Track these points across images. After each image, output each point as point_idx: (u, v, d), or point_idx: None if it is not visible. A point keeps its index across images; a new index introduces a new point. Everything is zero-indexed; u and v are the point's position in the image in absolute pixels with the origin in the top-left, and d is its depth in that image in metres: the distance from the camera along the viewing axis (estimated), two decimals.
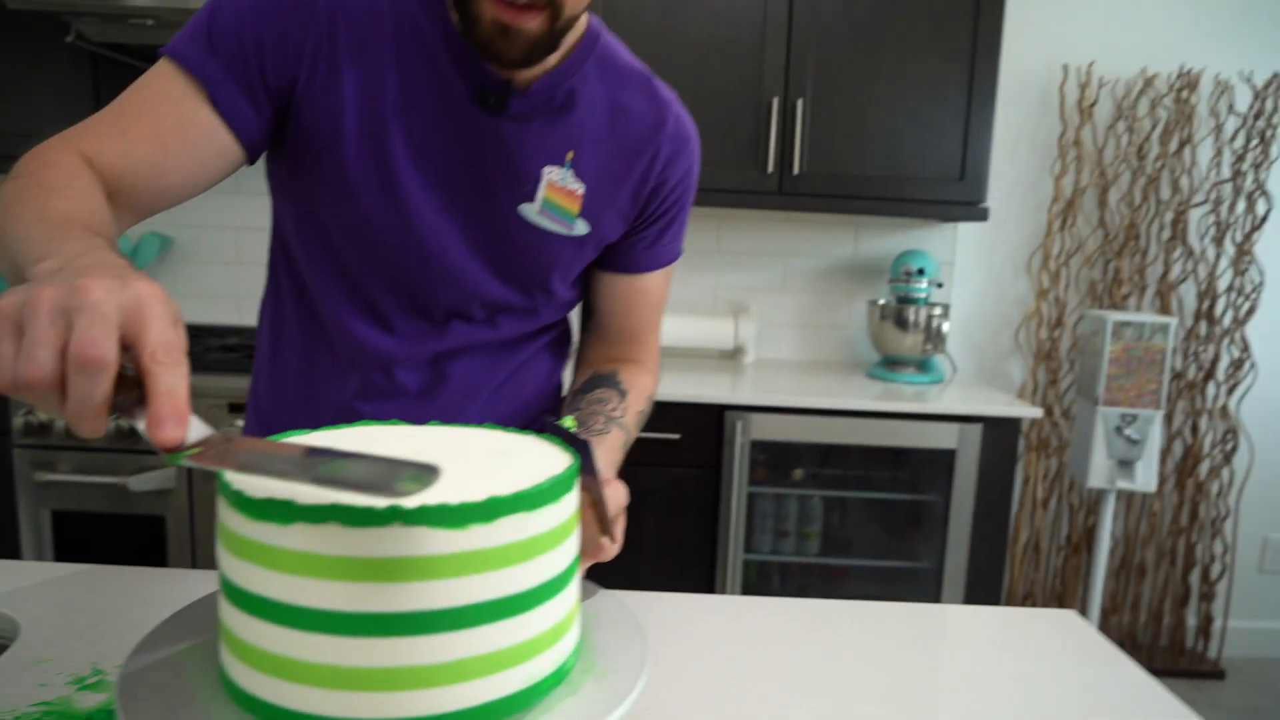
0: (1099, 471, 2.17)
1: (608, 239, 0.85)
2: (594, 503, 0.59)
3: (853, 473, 2.24)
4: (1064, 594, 2.65)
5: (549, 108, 0.78)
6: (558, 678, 0.48)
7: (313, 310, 0.85)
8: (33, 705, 0.60)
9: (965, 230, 2.50)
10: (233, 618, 0.44)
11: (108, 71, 2.13)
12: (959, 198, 2.17)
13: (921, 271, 2.27)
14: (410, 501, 0.40)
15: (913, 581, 2.19)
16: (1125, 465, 2.17)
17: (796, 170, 2.14)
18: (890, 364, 2.33)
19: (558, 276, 0.85)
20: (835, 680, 0.70)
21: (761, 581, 2.29)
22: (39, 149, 0.66)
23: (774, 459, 2.15)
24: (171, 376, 0.41)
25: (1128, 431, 2.13)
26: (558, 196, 0.80)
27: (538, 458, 0.51)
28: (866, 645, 0.77)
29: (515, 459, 0.51)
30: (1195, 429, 2.52)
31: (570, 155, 0.80)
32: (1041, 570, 2.65)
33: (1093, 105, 2.39)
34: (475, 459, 0.50)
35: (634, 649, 0.53)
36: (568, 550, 0.48)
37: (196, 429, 0.43)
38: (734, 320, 2.41)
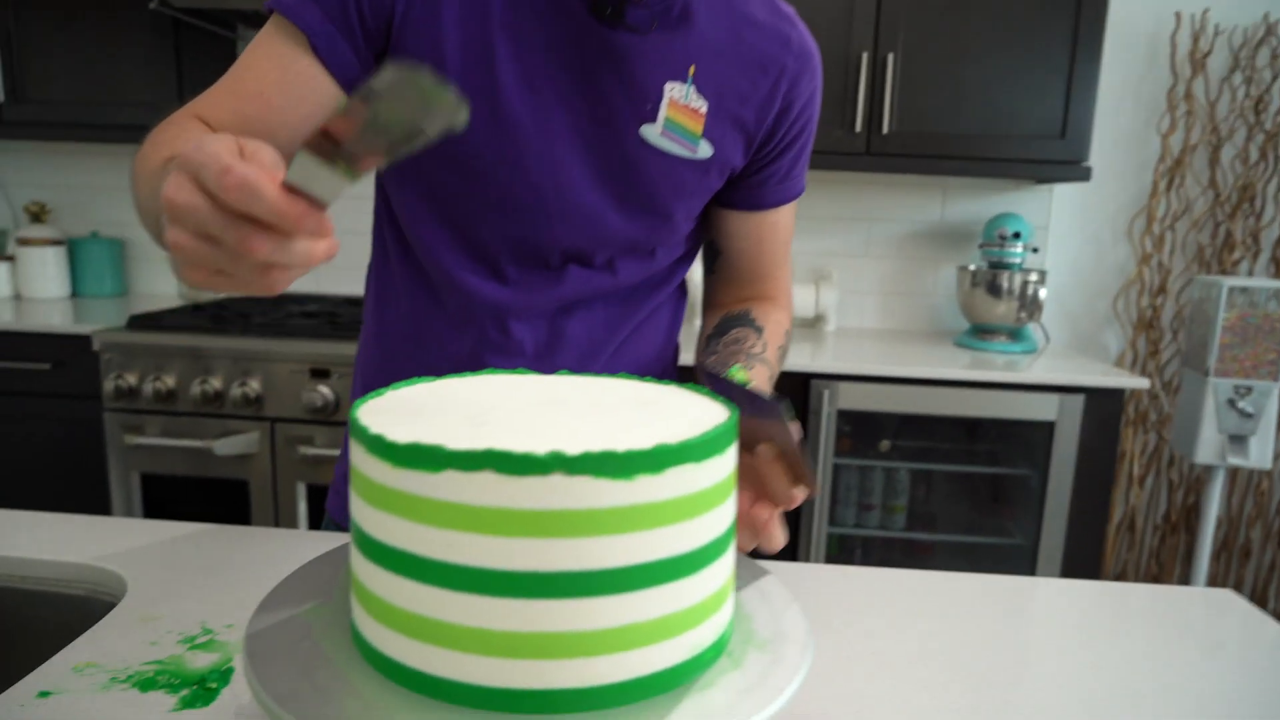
0: (1208, 447, 2.04)
1: (732, 164, 0.79)
2: (783, 453, 0.54)
3: (941, 445, 2.16)
4: (1160, 575, 2.52)
5: (667, 17, 0.72)
6: (718, 649, 0.43)
7: (419, 265, 0.81)
8: (146, 663, 0.58)
9: (1061, 192, 2.37)
10: (371, 575, 0.40)
11: (190, 37, 2.13)
12: (1059, 156, 2.05)
13: (1017, 235, 2.16)
14: (573, 448, 0.36)
15: (1003, 559, 2.10)
16: (1237, 440, 2.04)
17: (886, 129, 2.04)
18: (980, 333, 2.23)
19: (681, 207, 0.79)
20: (987, 659, 0.64)
21: (844, 555, 2.22)
22: (166, 120, 0.67)
23: (859, 429, 2.07)
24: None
25: (1241, 404, 2.00)
26: (681, 115, 0.74)
27: (687, 407, 0.46)
28: (1015, 623, 0.70)
29: (662, 409, 0.46)
30: None
31: (692, 70, 0.74)
32: (1136, 550, 2.53)
33: (1206, 55, 2.23)
34: (619, 408, 0.45)
35: (791, 618, 0.48)
36: (730, 508, 0.43)
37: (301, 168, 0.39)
38: (815, 287, 2.33)
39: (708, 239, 0.89)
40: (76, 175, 2.50)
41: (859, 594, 0.74)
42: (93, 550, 0.75)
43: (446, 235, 0.78)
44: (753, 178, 0.82)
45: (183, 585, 0.69)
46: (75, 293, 2.43)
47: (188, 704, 0.54)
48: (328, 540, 0.80)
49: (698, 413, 0.45)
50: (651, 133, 0.74)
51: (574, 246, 0.78)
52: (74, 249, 2.41)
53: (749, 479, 0.55)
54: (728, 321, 0.86)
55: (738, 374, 0.69)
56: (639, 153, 0.75)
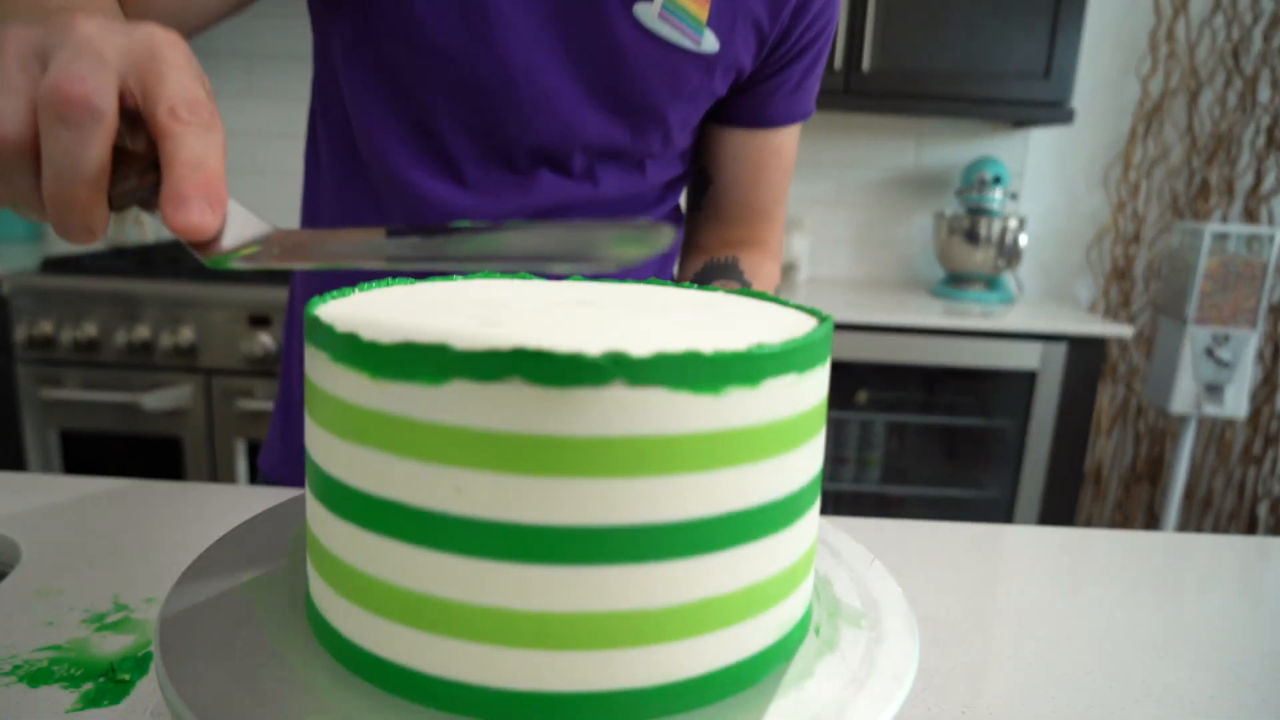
0: (1184, 396, 2.01)
1: (740, 66, 0.67)
2: None
3: (917, 396, 2.09)
4: (1125, 526, 2.52)
5: None
6: (804, 625, 0.32)
7: (361, 167, 0.68)
8: (38, 649, 0.45)
9: (1037, 138, 2.30)
10: (338, 535, 0.28)
11: None
12: (1042, 97, 1.97)
13: (997, 180, 2.08)
14: (641, 350, 0.24)
15: (978, 512, 2.06)
16: (1213, 389, 2.01)
17: (866, 67, 1.94)
18: (956, 281, 2.16)
19: (677, 110, 0.67)
20: (1076, 617, 0.55)
21: None
22: None
23: (834, 381, 1.99)
24: (199, 140, 0.30)
25: (1219, 353, 1.96)
26: None
27: (755, 312, 0.35)
28: (1090, 578, 0.61)
29: (723, 312, 0.34)
30: (1276, 353, 2.35)
31: None
32: (1101, 503, 2.51)
33: None
34: (668, 310, 0.34)
35: (879, 579, 0.37)
36: (823, 441, 0.32)
37: (242, 221, 0.31)
38: (787, 235, 2.23)
39: (698, 166, 0.77)
40: None
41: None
42: None
43: (397, 123, 0.65)
44: (760, 86, 0.70)
45: (91, 551, 0.57)
46: None
47: (91, 701, 0.42)
48: (273, 496, 0.67)
49: (773, 317, 0.34)
50: (647, 13, 0.62)
51: (546, 145, 0.66)
52: None
53: None
54: (711, 270, 0.75)
55: None
56: (630, 36, 0.62)
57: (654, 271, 0.78)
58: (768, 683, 0.30)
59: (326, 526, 0.28)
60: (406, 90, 0.64)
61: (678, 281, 0.78)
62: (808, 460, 0.29)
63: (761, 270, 0.76)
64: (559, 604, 0.25)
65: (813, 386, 0.29)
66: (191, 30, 0.60)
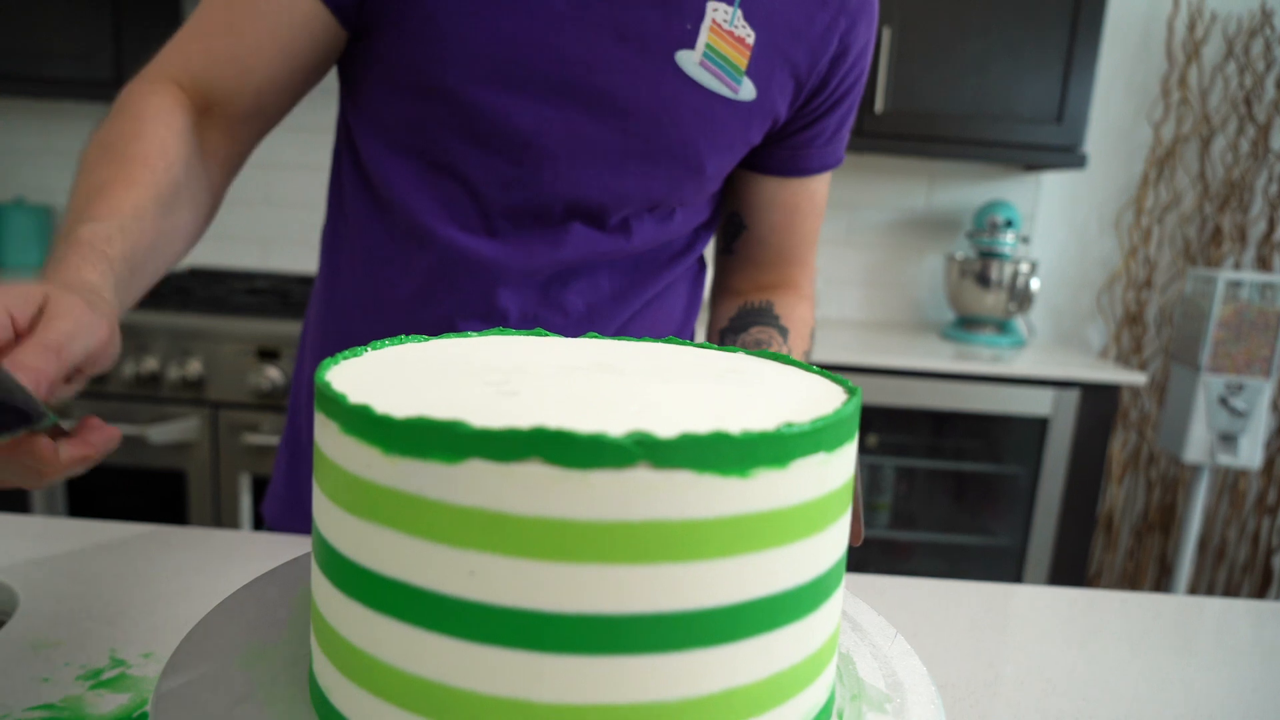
0: (1197, 445, 1.98)
1: (776, 114, 0.67)
2: None
3: (926, 441, 2.07)
4: (1136, 575, 2.48)
5: None
6: (827, 711, 0.31)
7: (385, 214, 0.67)
8: (30, 709, 0.44)
9: (1049, 181, 2.30)
10: (345, 615, 0.27)
11: None
12: (1054, 141, 1.97)
13: (1009, 224, 2.08)
14: (662, 428, 0.23)
15: (989, 560, 2.02)
16: (1226, 439, 1.98)
17: (879, 108, 1.94)
18: (967, 324, 2.15)
19: (715, 158, 0.66)
20: (1094, 683, 0.53)
21: None
22: (135, 79, 0.59)
23: None
24: None
25: (1233, 402, 1.94)
26: (723, 43, 0.61)
27: (780, 379, 0.34)
28: (1105, 642, 0.60)
29: (748, 378, 0.33)
30: None
31: None
32: (1113, 551, 2.48)
33: (1201, 42, 2.17)
34: (692, 377, 0.33)
35: (902, 657, 0.36)
36: (849, 519, 0.31)
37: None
38: None
39: (729, 211, 0.77)
40: (7, 137, 2.28)
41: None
42: None
43: (422, 176, 0.64)
44: (796, 136, 0.70)
45: (89, 602, 0.55)
46: None
47: None
48: (279, 546, 0.66)
49: (797, 386, 0.33)
50: (689, 61, 0.61)
51: (583, 198, 0.65)
52: None
53: None
54: (747, 316, 0.74)
55: None
56: (672, 85, 0.62)
57: (675, 330, 0.77)
58: None
59: (332, 604, 0.27)
60: (433, 143, 0.63)
61: (712, 323, 0.77)
62: (835, 540, 0.28)
63: (795, 313, 0.75)
64: (577, 695, 0.24)
65: (841, 465, 0.28)
66: (271, 104, 0.62)
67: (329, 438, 0.27)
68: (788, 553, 0.26)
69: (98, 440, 0.42)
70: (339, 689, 0.27)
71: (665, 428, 0.23)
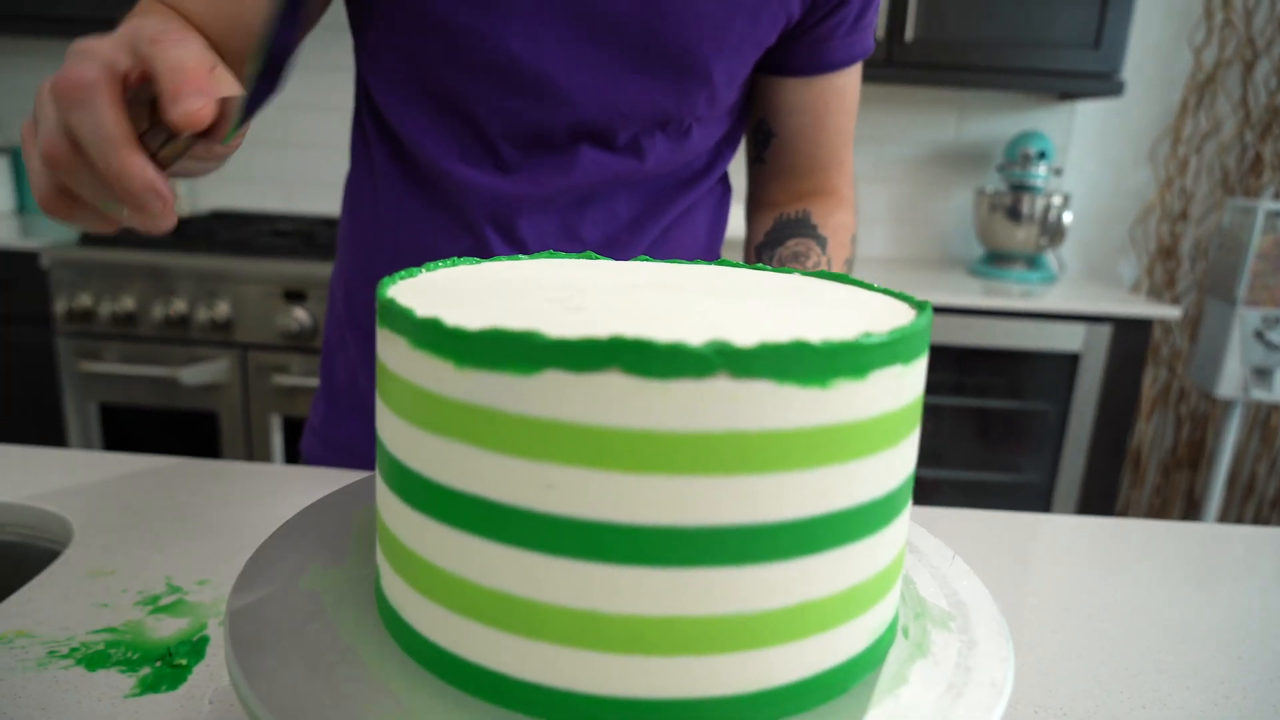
0: (1231, 380, 1.96)
1: (788, 9, 0.63)
2: None
3: (954, 377, 2.05)
4: (1163, 511, 2.47)
5: None
6: (893, 627, 0.31)
7: (405, 161, 0.66)
8: (94, 631, 0.45)
9: (1083, 111, 2.23)
10: (418, 531, 0.27)
11: None
12: (1091, 68, 1.91)
13: (1042, 155, 2.03)
14: (742, 337, 0.23)
15: (1016, 497, 2.02)
16: (1261, 373, 1.96)
17: (909, 36, 1.89)
18: (996, 260, 2.11)
19: (722, 64, 0.63)
20: (1139, 612, 0.53)
21: None
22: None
23: None
24: (173, 50, 0.36)
25: (1270, 335, 1.91)
26: None
27: (843, 297, 0.33)
28: (1150, 571, 0.59)
29: (811, 296, 0.33)
30: None
31: None
32: (1141, 488, 2.47)
33: None
34: (755, 294, 0.32)
35: (962, 576, 0.36)
36: (918, 435, 0.30)
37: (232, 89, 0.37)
38: None
39: (756, 119, 0.73)
40: (20, 76, 2.27)
41: None
42: (30, 487, 0.61)
43: (430, 115, 0.63)
44: (815, 30, 0.66)
45: (143, 531, 0.56)
46: (21, 207, 2.23)
47: (149, 686, 0.41)
48: (324, 478, 0.67)
49: (862, 304, 0.32)
50: None
51: (586, 120, 0.63)
52: (19, 159, 2.20)
53: None
54: (783, 228, 0.71)
55: None
56: None
57: (701, 252, 0.76)
58: (861, 688, 0.28)
59: (403, 520, 0.27)
60: (435, 79, 0.62)
61: (748, 239, 0.75)
62: (907, 455, 0.28)
63: (833, 220, 0.71)
64: (652, 608, 0.24)
65: (915, 378, 0.27)
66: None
67: (396, 353, 0.26)
68: (864, 466, 0.25)
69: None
70: (409, 603, 0.28)
71: (743, 338, 0.23)
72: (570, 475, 0.23)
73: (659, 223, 0.70)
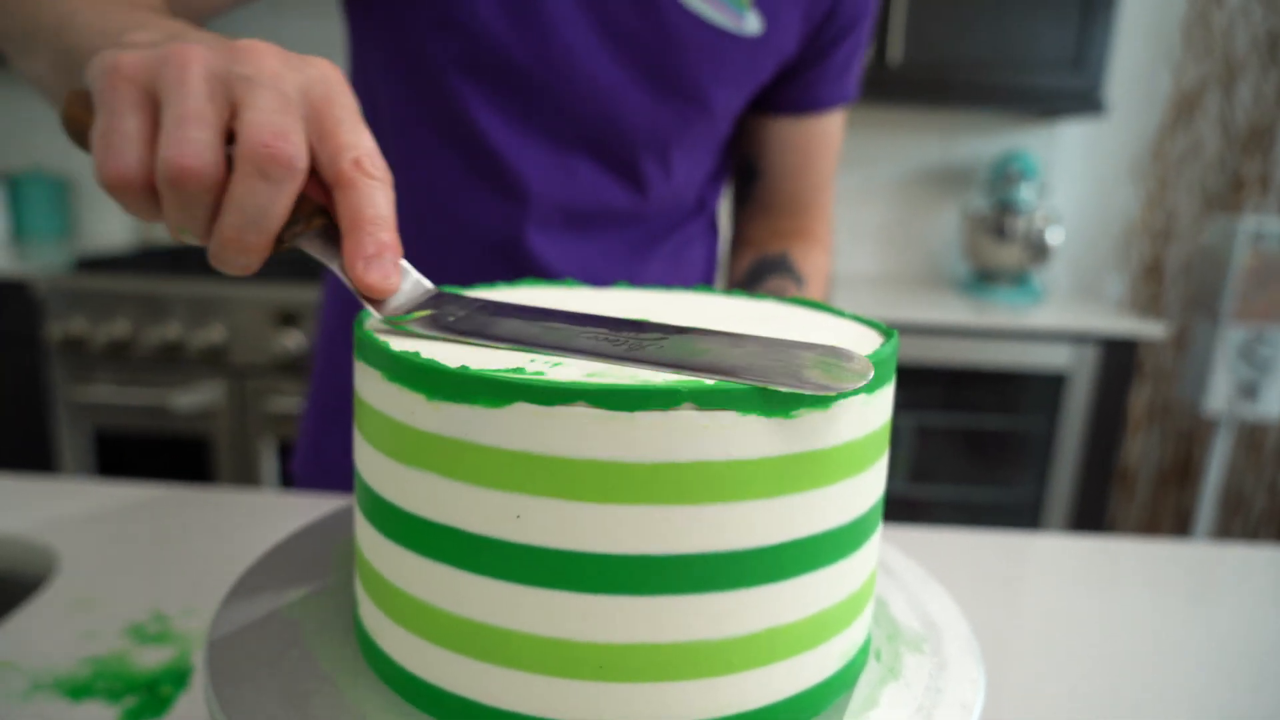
0: (1218, 396, 1.97)
1: (785, 51, 0.66)
2: None
3: (944, 396, 2.06)
4: (1153, 527, 2.48)
5: None
6: (865, 650, 0.31)
7: (409, 174, 0.67)
8: (79, 661, 0.45)
9: (1066, 131, 2.26)
10: (391, 559, 0.27)
11: None
12: (1072, 87, 1.93)
13: (1025, 174, 2.05)
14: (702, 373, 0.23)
15: (1006, 515, 2.03)
16: (1247, 389, 1.97)
17: (895, 60, 1.91)
18: (983, 278, 2.13)
19: (721, 94, 0.65)
20: (1124, 631, 0.53)
21: None
22: None
23: None
24: (382, 195, 0.30)
25: (1255, 352, 1.93)
26: None
27: (813, 323, 0.34)
28: (1129, 589, 0.60)
29: (786, 325, 0.33)
30: None
31: None
32: (1131, 504, 2.48)
33: None
34: (729, 324, 0.33)
35: (935, 598, 0.36)
36: (887, 460, 0.31)
37: (411, 279, 0.32)
38: None
39: (743, 158, 0.76)
40: (14, 103, 2.28)
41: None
42: (16, 517, 0.62)
43: (429, 121, 0.65)
44: (807, 70, 0.69)
45: (130, 560, 0.57)
46: (16, 234, 2.23)
47: (133, 716, 0.41)
48: (312, 505, 0.67)
49: (835, 330, 0.33)
50: None
51: (589, 132, 0.65)
52: (13, 186, 2.21)
53: None
54: (763, 266, 0.73)
55: None
56: (673, 16, 0.61)
57: (700, 278, 0.77)
58: (832, 712, 0.29)
59: (378, 550, 0.28)
60: (437, 83, 0.63)
61: (729, 280, 0.77)
62: (873, 481, 0.28)
63: (810, 261, 0.73)
64: (622, 635, 0.25)
65: (881, 406, 0.28)
66: (199, 16, 0.59)
67: (371, 385, 0.27)
68: (830, 493, 0.26)
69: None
70: (385, 631, 0.28)
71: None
72: (538, 505, 0.24)
73: (655, 254, 0.72)
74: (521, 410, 0.23)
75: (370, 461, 0.28)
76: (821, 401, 0.25)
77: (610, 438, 0.23)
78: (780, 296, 0.67)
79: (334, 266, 0.31)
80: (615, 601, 0.24)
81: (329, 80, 0.30)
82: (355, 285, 0.29)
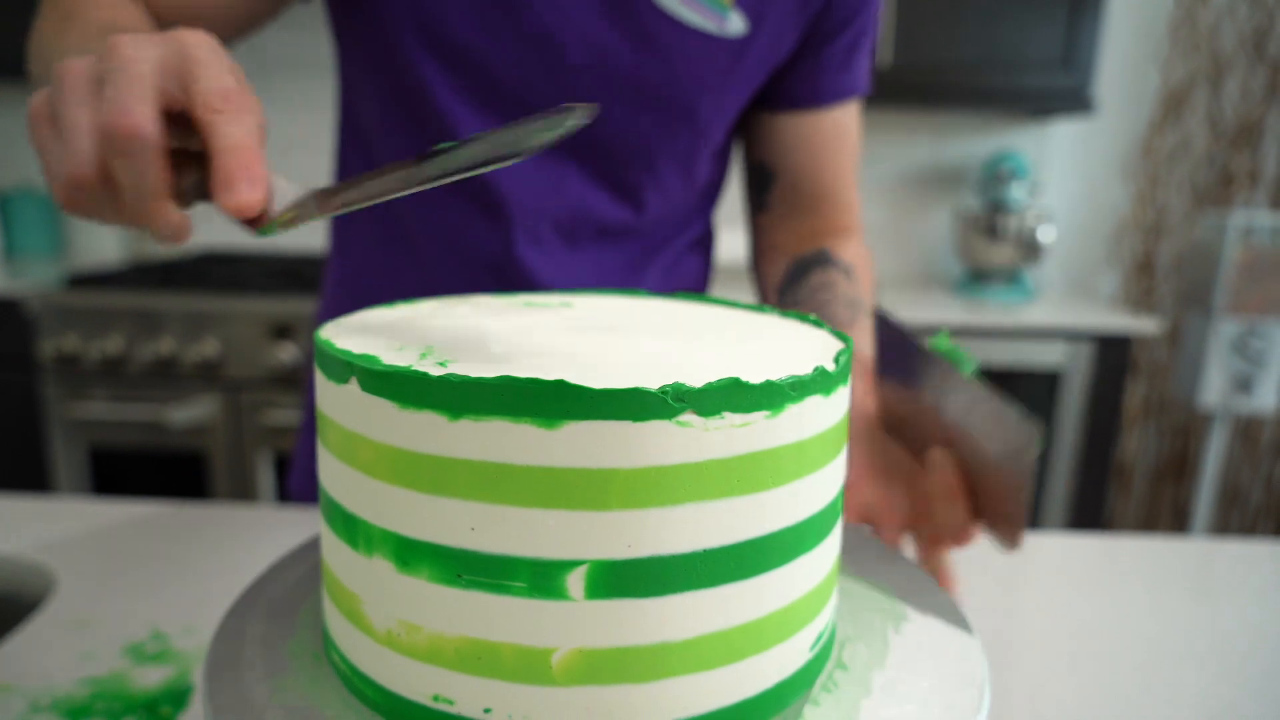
0: (1211, 390, 1.98)
1: (778, 50, 0.64)
2: (973, 472, 0.43)
3: None
4: (1151, 522, 2.49)
5: None
6: (826, 652, 0.32)
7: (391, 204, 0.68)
8: (78, 682, 0.46)
9: (1057, 130, 2.27)
10: (359, 572, 0.28)
11: None
12: (1061, 86, 1.95)
13: (1016, 174, 2.06)
14: (660, 377, 0.24)
15: None
16: (1241, 383, 1.98)
17: (886, 64, 1.92)
18: (977, 278, 2.14)
19: (707, 100, 0.64)
20: (1125, 629, 0.54)
21: None
22: None
23: None
24: (234, 125, 0.33)
25: (1248, 346, 1.94)
26: None
27: (790, 332, 0.35)
28: (1129, 586, 0.61)
29: (733, 329, 0.34)
30: None
31: None
32: (1128, 500, 2.49)
33: None
34: (707, 333, 0.34)
35: (908, 592, 0.37)
36: (843, 464, 0.32)
37: (282, 190, 0.35)
38: None
39: (755, 163, 0.73)
40: (3, 121, 2.29)
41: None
42: (12, 537, 0.62)
43: (409, 131, 0.65)
44: (806, 63, 0.67)
45: (128, 578, 0.57)
46: (7, 251, 2.24)
47: None
48: (307, 518, 0.68)
49: (793, 340, 0.33)
50: None
51: (574, 140, 0.64)
52: (4, 203, 2.21)
53: (906, 491, 0.46)
54: (803, 264, 0.69)
55: (940, 343, 0.52)
56: (652, 22, 0.60)
57: (619, 280, 0.75)
58: (790, 712, 0.29)
59: (342, 561, 0.29)
60: (419, 94, 0.63)
61: (764, 284, 0.75)
62: (824, 482, 0.29)
63: (849, 251, 0.69)
64: (575, 640, 0.26)
65: (834, 407, 0.29)
66: (223, 35, 0.60)
67: (330, 395, 0.28)
68: (780, 494, 0.27)
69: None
70: (354, 646, 0.29)
71: (660, 377, 0.25)
72: (504, 513, 0.25)
73: (649, 271, 0.72)
74: (467, 425, 0.24)
75: (336, 471, 0.29)
76: (774, 401, 0.26)
77: (547, 446, 0.24)
78: (830, 288, 0.65)
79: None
80: (568, 607, 0.25)
81: (185, 43, 0.34)
82: (226, 212, 0.32)
